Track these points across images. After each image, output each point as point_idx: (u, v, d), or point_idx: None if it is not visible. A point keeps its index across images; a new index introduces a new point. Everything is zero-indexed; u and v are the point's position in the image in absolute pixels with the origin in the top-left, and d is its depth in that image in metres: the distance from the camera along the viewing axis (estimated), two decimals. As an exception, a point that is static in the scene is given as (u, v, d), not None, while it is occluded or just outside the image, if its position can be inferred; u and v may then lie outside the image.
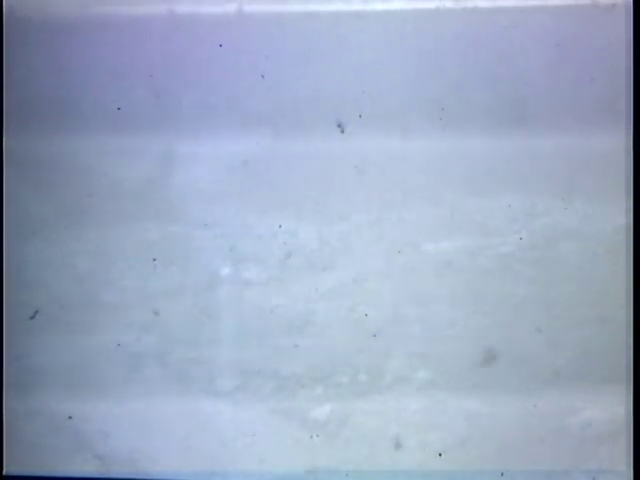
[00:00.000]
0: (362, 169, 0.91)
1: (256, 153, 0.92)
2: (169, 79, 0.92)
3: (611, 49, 0.89)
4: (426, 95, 0.91)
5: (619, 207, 0.90)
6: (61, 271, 0.93)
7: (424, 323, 0.92)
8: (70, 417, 0.93)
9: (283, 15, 0.90)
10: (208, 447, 0.93)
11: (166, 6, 0.91)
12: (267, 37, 0.91)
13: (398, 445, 0.92)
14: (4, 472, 0.93)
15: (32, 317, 0.93)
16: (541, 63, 0.90)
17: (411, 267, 0.91)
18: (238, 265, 0.92)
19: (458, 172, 0.91)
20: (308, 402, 0.92)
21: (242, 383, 0.92)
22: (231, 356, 0.92)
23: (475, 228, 0.91)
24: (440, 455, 0.92)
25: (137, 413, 0.93)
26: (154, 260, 0.93)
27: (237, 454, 0.93)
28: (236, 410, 0.93)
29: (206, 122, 0.92)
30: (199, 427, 0.93)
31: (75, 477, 0.93)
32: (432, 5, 0.90)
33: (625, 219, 0.90)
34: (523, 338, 0.91)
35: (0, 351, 0.93)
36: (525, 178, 0.91)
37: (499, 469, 0.92)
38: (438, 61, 0.90)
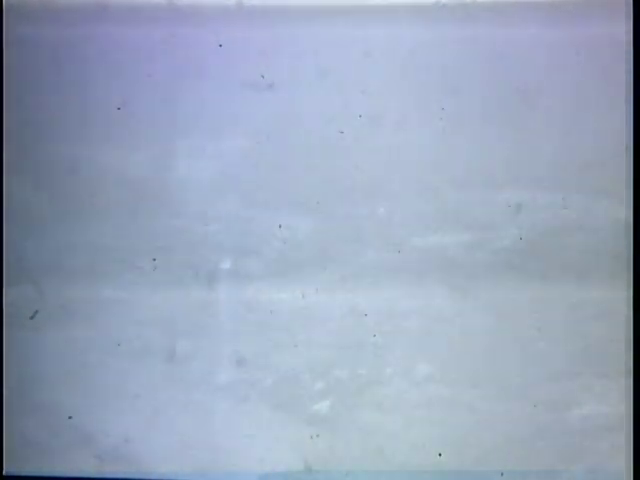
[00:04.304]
0: (362, 167, 0.92)
1: (256, 151, 0.92)
2: (169, 77, 0.92)
3: (611, 47, 0.90)
4: (426, 94, 0.91)
5: (619, 202, 0.90)
6: (61, 269, 0.93)
7: (423, 319, 0.92)
8: (70, 417, 0.93)
9: (283, 11, 0.91)
10: (208, 445, 0.93)
11: (166, 1, 0.92)
12: (267, 34, 0.91)
13: (398, 442, 0.92)
14: (4, 472, 0.93)
15: (32, 317, 0.93)
16: (540, 61, 0.90)
17: (411, 263, 0.92)
18: (238, 261, 0.92)
19: (458, 168, 0.91)
20: (308, 398, 0.92)
21: (242, 379, 0.92)
22: (231, 352, 0.93)
23: (475, 224, 0.91)
24: (440, 455, 0.91)
25: (137, 412, 0.93)
26: (154, 260, 0.93)
27: (237, 451, 0.92)
28: (236, 407, 0.93)
29: (206, 120, 0.92)
30: (199, 424, 0.93)
31: (75, 477, 0.93)
32: (430, 2, 0.90)
33: (625, 214, 0.90)
34: (522, 334, 0.91)
35: (0, 351, 0.92)
36: (524, 174, 0.91)
37: (499, 469, 0.91)
38: (438, 59, 0.91)
